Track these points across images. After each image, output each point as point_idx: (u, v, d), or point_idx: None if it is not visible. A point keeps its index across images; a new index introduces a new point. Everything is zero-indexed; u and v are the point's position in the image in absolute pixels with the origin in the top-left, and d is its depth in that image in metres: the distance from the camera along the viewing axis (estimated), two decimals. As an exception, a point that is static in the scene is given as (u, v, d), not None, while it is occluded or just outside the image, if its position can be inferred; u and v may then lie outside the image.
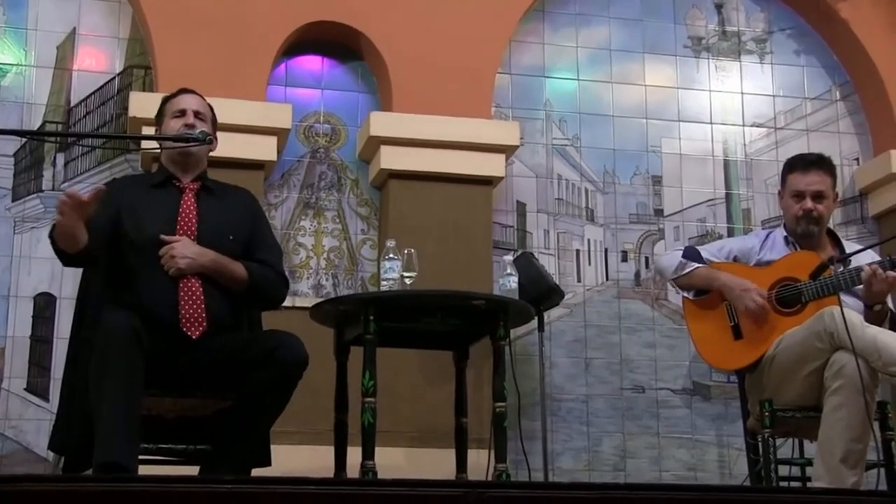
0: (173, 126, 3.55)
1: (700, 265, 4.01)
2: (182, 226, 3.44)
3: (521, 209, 5.47)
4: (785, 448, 4.11)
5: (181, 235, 3.41)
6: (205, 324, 3.32)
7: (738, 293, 3.89)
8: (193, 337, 3.31)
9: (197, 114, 3.58)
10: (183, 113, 3.57)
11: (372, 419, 3.64)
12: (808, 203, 3.96)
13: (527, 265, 4.73)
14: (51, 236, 3.36)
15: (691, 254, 4.06)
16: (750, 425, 3.91)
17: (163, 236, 3.37)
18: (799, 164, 4.05)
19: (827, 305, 3.69)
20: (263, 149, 5.00)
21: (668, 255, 4.17)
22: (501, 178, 5.27)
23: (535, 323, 4.68)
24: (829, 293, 3.79)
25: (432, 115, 5.15)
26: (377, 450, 3.65)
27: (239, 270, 3.43)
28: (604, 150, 5.62)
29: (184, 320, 3.31)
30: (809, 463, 3.88)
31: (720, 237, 5.45)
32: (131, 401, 3.09)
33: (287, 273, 3.77)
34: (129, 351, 3.09)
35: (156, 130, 3.66)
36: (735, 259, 4.07)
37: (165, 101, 3.67)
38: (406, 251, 3.89)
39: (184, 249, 3.35)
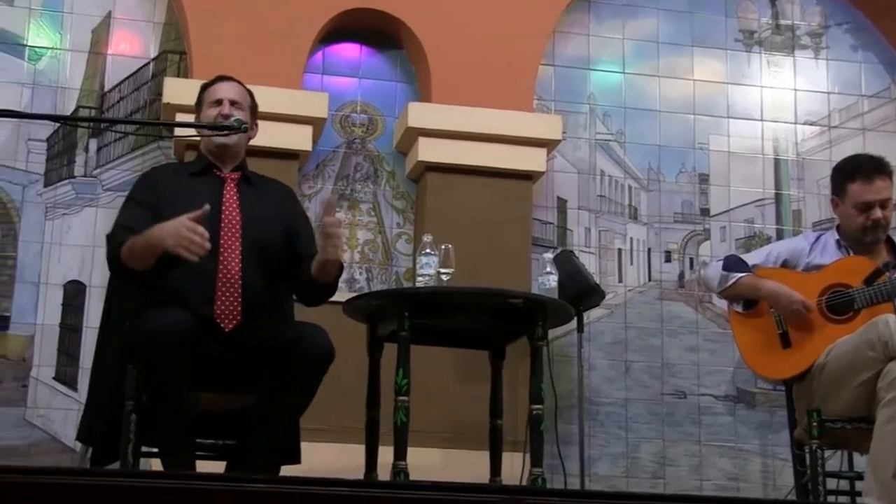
0: (210, 115, 3.55)
1: (743, 274, 3.95)
2: (226, 216, 3.43)
3: (561, 205, 5.45)
4: (833, 460, 4.05)
5: (225, 226, 3.40)
6: (240, 316, 3.32)
7: (783, 303, 3.84)
8: (227, 329, 3.31)
9: (233, 103, 3.57)
10: (219, 103, 3.56)
11: (405, 418, 3.63)
12: (878, 213, 3.88)
13: (567, 263, 4.71)
14: (115, 254, 3.31)
15: (732, 263, 4.00)
16: (797, 435, 3.86)
17: (328, 219, 3.32)
18: (860, 172, 3.93)
19: (881, 313, 3.64)
20: (298, 138, 5.00)
21: (711, 268, 4.12)
22: (542, 173, 5.26)
23: (573, 323, 4.64)
24: (883, 300, 3.73)
25: (472, 107, 5.13)
26: (408, 450, 3.64)
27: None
28: (649, 147, 5.58)
29: (218, 311, 3.31)
30: (859, 477, 3.82)
31: (768, 239, 5.40)
32: (187, 396, 3.16)
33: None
34: (184, 348, 3.12)
35: (195, 118, 3.66)
36: (784, 262, 4.01)
37: (204, 88, 3.66)
38: (443, 246, 3.87)
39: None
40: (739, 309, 4.02)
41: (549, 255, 4.26)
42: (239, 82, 3.66)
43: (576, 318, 4.67)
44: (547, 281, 4.01)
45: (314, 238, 3.58)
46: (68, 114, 5.07)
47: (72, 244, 5.01)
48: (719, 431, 5.26)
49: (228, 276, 3.35)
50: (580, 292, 4.71)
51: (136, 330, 3.20)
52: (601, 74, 5.62)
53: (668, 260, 5.50)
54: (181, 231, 3.12)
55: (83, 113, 5.12)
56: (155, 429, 3.19)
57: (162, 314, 3.16)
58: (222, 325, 3.31)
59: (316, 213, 5.13)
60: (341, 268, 3.49)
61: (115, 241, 3.35)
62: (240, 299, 3.34)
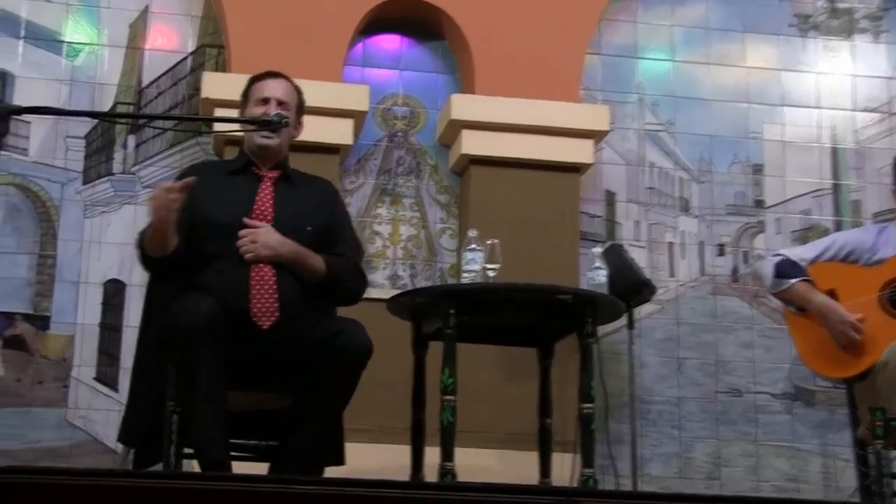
0: (254, 113, 3.53)
1: (795, 281, 3.90)
2: (257, 215, 3.44)
3: (610, 198, 5.43)
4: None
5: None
6: (277, 314, 3.33)
7: (832, 322, 3.79)
8: (264, 327, 3.31)
9: (280, 103, 3.55)
10: (266, 102, 3.55)
11: (451, 418, 3.62)
12: None
13: (616, 258, 4.69)
14: (140, 246, 3.40)
15: (785, 268, 3.94)
16: (860, 435, 3.80)
17: (247, 220, 3.38)
18: None
19: (948, 308, 3.58)
20: (339, 132, 5.00)
21: (764, 266, 4.07)
22: (590, 165, 5.23)
23: (623, 320, 4.62)
24: (948, 293, 3.67)
25: (517, 98, 5.12)
26: (455, 451, 3.63)
27: (318, 264, 3.43)
28: (700, 137, 5.54)
29: (255, 310, 3.32)
30: (925, 478, 3.76)
31: (826, 231, 5.33)
32: (222, 394, 3.15)
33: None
34: (216, 341, 3.14)
35: (240, 112, 3.65)
36: (847, 256, 3.95)
37: (251, 82, 3.65)
38: (489, 241, 3.86)
39: (266, 237, 3.36)
40: (794, 309, 3.97)
41: (598, 250, 4.26)
42: (288, 79, 3.64)
43: (626, 314, 4.67)
44: (596, 276, 3.99)
45: (346, 237, 3.57)
46: (106, 110, 5.11)
47: (111, 242, 5.05)
48: (776, 431, 5.21)
49: (261, 272, 3.36)
50: (630, 287, 4.69)
51: (165, 322, 3.23)
52: (649, 63, 5.58)
53: (720, 254, 5.46)
54: (153, 194, 3.23)
55: (121, 109, 5.16)
56: (188, 420, 3.19)
57: (188, 302, 3.17)
58: (259, 322, 3.31)
59: (358, 209, 5.16)
60: (327, 274, 3.46)
61: (141, 234, 3.43)
62: (276, 296, 3.35)
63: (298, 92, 3.66)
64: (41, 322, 4.98)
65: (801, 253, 4.05)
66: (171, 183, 3.27)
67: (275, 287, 3.35)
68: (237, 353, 3.25)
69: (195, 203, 3.39)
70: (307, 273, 3.42)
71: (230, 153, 4.58)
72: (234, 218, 3.38)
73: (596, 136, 5.22)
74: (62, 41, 5.20)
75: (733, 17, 5.65)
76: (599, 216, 5.38)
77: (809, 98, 5.61)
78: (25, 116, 4.93)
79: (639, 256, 5.23)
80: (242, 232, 3.36)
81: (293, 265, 3.39)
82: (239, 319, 3.27)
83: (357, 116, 5.07)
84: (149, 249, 3.36)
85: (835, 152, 5.59)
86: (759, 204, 5.53)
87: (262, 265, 3.36)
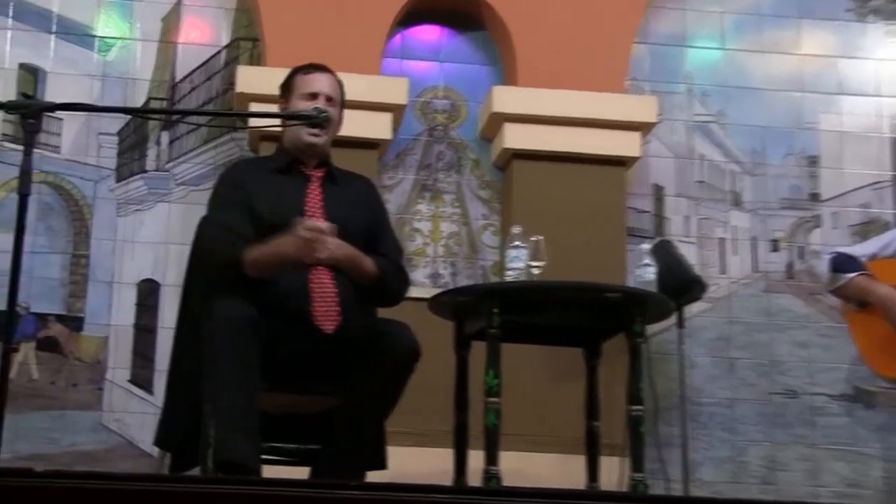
0: (301, 108, 3.49)
1: (853, 275, 3.86)
2: (308, 216, 3.43)
3: (658, 193, 5.42)
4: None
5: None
6: (339, 318, 3.33)
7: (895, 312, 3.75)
8: (328, 331, 3.31)
9: (329, 99, 3.55)
10: (314, 97, 3.53)
11: (496, 421, 3.62)
12: None
13: (665, 255, 4.67)
14: (237, 263, 3.32)
15: (841, 262, 3.91)
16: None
17: (314, 221, 3.33)
18: None
19: None
20: (377, 126, 5.02)
21: (820, 265, 4.04)
22: (637, 159, 5.22)
23: (673, 318, 4.60)
24: None
25: (561, 90, 5.11)
26: (499, 454, 3.63)
27: (370, 266, 3.43)
28: (752, 128, 5.51)
29: (317, 314, 3.32)
30: None
31: (886, 225, 5.28)
32: (251, 394, 3.13)
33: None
34: (245, 340, 3.12)
35: (280, 105, 3.64)
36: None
37: (295, 72, 3.62)
38: (533, 238, 3.86)
39: (332, 239, 3.34)
40: (854, 306, 3.93)
41: (647, 246, 4.25)
42: (333, 73, 3.63)
43: (676, 313, 4.64)
44: (644, 273, 3.99)
45: (387, 237, 3.58)
46: (139, 106, 5.15)
47: (145, 241, 5.09)
48: (835, 434, 5.17)
49: (319, 276, 3.35)
50: (680, 285, 4.66)
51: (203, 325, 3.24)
52: (699, 51, 5.56)
53: (774, 249, 5.43)
54: (303, 234, 3.21)
55: (154, 105, 5.20)
56: (216, 423, 3.15)
57: (223, 302, 3.18)
58: (322, 327, 3.31)
59: (398, 205, 5.17)
60: (378, 276, 3.46)
61: (227, 247, 3.34)
62: (337, 299, 3.35)
63: (342, 86, 3.66)
64: (75, 323, 5.04)
65: (859, 250, 4.02)
66: (321, 224, 3.27)
67: (335, 291, 3.36)
68: (294, 355, 3.25)
69: (255, 202, 3.40)
70: (361, 276, 3.42)
71: (266, 149, 4.60)
72: (288, 220, 3.35)
73: (643, 128, 5.20)
74: (94, 36, 5.25)
75: (787, 3, 5.61)
76: (647, 211, 5.37)
77: (868, 86, 5.56)
78: (57, 113, 4.98)
79: (688, 253, 5.18)
80: (307, 234, 3.30)
81: (348, 268, 3.39)
82: (300, 323, 3.27)
83: (396, 110, 5.08)
84: (251, 271, 3.30)
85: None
86: (815, 197, 5.48)
87: (319, 268, 3.36)
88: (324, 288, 3.35)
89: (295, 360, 3.27)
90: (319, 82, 3.57)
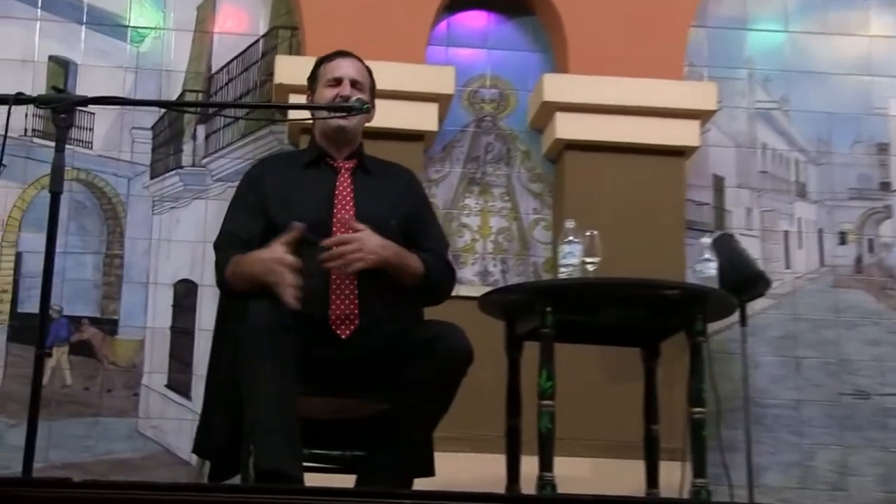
0: (327, 96, 3.53)
1: None
2: (339, 211, 3.43)
3: (718, 184, 5.40)
4: None
5: (337, 222, 3.39)
6: (356, 321, 3.32)
7: None
8: (343, 336, 3.31)
9: (354, 83, 3.55)
10: (338, 82, 3.55)
11: (550, 425, 3.61)
12: None
13: (726, 249, 4.65)
14: (222, 279, 3.38)
15: None
16: None
17: (353, 223, 3.31)
18: None
19: None
20: (423, 117, 5.02)
21: (891, 256, 3.99)
22: (696, 148, 5.20)
23: (735, 316, 4.57)
24: None
25: (615, 77, 5.10)
26: (554, 460, 3.62)
27: (416, 264, 3.41)
28: (817, 114, 5.48)
29: (333, 317, 3.31)
30: None
31: (962, 216, 5.24)
32: (290, 399, 3.13)
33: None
34: (282, 343, 3.12)
35: (307, 97, 3.67)
36: None
37: (319, 63, 3.66)
38: (588, 233, 3.85)
39: (369, 242, 3.30)
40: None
41: (707, 240, 4.22)
42: (359, 59, 3.65)
43: (738, 310, 4.62)
44: (705, 269, 3.98)
45: (432, 231, 3.56)
46: (173, 99, 5.18)
47: (181, 240, 5.12)
48: (910, 437, 5.14)
49: (342, 275, 3.34)
50: (743, 281, 4.64)
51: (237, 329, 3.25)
52: (761, 34, 5.53)
53: (842, 242, 5.39)
54: (273, 267, 3.17)
55: (189, 97, 5.23)
56: (256, 430, 3.14)
57: (258, 303, 3.18)
58: (338, 331, 3.31)
59: (445, 200, 5.16)
60: (424, 274, 3.44)
61: (221, 255, 3.40)
62: (356, 302, 3.33)
63: (370, 72, 3.66)
64: (109, 326, 5.07)
65: None
66: (278, 253, 3.20)
67: (355, 293, 3.35)
68: (315, 359, 3.25)
69: (272, 202, 3.41)
70: (407, 275, 3.41)
71: (306, 142, 4.60)
72: (315, 216, 3.36)
73: (702, 116, 5.17)
74: (126, 26, 5.29)
75: (855, -19, 5.57)
76: (707, 203, 5.35)
77: (943, 69, 5.52)
78: (89, 107, 5.00)
79: (751, 247, 5.16)
80: (345, 243, 3.28)
81: (396, 269, 3.38)
82: (317, 326, 3.27)
83: (442, 100, 5.07)
84: (234, 285, 3.34)
85: (972, 129, 5.48)
86: (886, 187, 5.44)
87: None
88: (344, 289, 3.33)
89: (321, 363, 3.26)
90: (343, 67, 3.59)
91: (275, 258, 3.19)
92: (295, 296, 3.14)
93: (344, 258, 3.26)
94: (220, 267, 3.40)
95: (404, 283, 3.40)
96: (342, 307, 3.33)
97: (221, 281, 3.40)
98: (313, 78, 3.65)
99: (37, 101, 3.00)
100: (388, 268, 3.35)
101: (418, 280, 3.42)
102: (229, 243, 3.41)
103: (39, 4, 5.23)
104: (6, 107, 2.87)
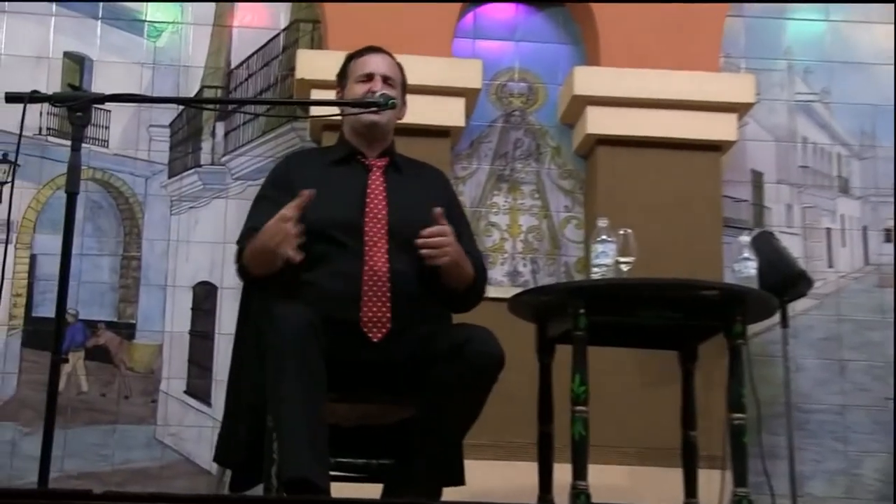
0: (357, 92, 3.53)
1: None
2: (371, 209, 3.42)
3: (757, 179, 5.40)
4: None
5: (370, 221, 3.39)
6: (389, 324, 3.32)
7: None
8: (375, 339, 3.31)
9: (386, 79, 3.55)
10: (369, 78, 3.55)
11: (584, 431, 3.59)
12: None
13: (766, 247, 4.64)
14: (241, 262, 3.39)
15: None
16: None
17: (438, 220, 3.32)
18: None
19: None
20: (449, 113, 5.02)
21: None
22: (733, 143, 5.19)
23: (776, 317, 4.56)
24: None
25: (648, 69, 5.10)
26: (588, 468, 3.60)
27: (470, 268, 3.43)
28: (861, 106, 5.48)
29: (365, 319, 3.31)
30: None
31: None
32: (317, 409, 3.12)
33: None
34: (309, 348, 3.12)
35: (337, 94, 3.67)
36: None
37: (349, 59, 3.66)
38: (621, 231, 3.83)
39: (451, 240, 3.32)
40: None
41: (746, 238, 4.22)
42: (390, 55, 3.65)
43: (779, 311, 4.60)
44: (744, 268, 3.97)
45: (466, 234, 3.56)
46: (192, 95, 5.19)
47: (200, 241, 5.13)
48: (962, 443, 5.10)
49: (375, 277, 3.34)
50: (784, 280, 4.62)
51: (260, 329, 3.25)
52: (800, 24, 5.52)
53: (888, 240, 5.38)
54: (278, 226, 3.17)
55: (208, 93, 5.25)
56: (280, 436, 3.14)
57: (282, 305, 3.18)
58: (370, 334, 3.31)
59: (472, 198, 5.15)
60: (474, 278, 3.44)
61: (240, 246, 3.41)
62: (388, 304, 3.33)
63: (401, 69, 3.67)
64: (126, 330, 5.09)
65: None
66: (284, 211, 3.21)
67: (388, 295, 3.34)
68: (344, 362, 3.25)
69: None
70: (462, 277, 3.41)
71: (329, 139, 4.61)
72: (346, 216, 3.36)
73: (740, 109, 5.16)
74: (143, 21, 5.31)
75: (899, -34, 5.55)
76: (745, 200, 5.35)
77: None
78: (106, 105, 5.04)
79: (792, 245, 5.15)
80: (441, 238, 3.28)
81: (458, 268, 3.37)
82: (347, 328, 3.27)
83: (469, 95, 5.07)
84: (251, 268, 3.35)
85: None
86: (933, 182, 5.42)
87: (374, 269, 3.34)
88: (377, 290, 3.33)
89: (350, 367, 3.25)
90: (373, 63, 3.59)
91: (279, 216, 3.19)
92: (293, 247, 3.16)
93: (441, 249, 3.28)
94: (237, 253, 3.41)
95: (454, 285, 3.41)
96: (374, 309, 3.32)
97: (239, 268, 3.41)
98: (343, 74, 3.65)
99: (53, 100, 3.01)
100: (453, 267, 3.35)
101: (468, 283, 3.43)
102: (249, 234, 3.39)
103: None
104: (21, 105, 2.87)
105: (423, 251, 3.28)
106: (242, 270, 3.41)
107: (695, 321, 3.86)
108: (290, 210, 3.18)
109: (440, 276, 3.38)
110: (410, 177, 3.58)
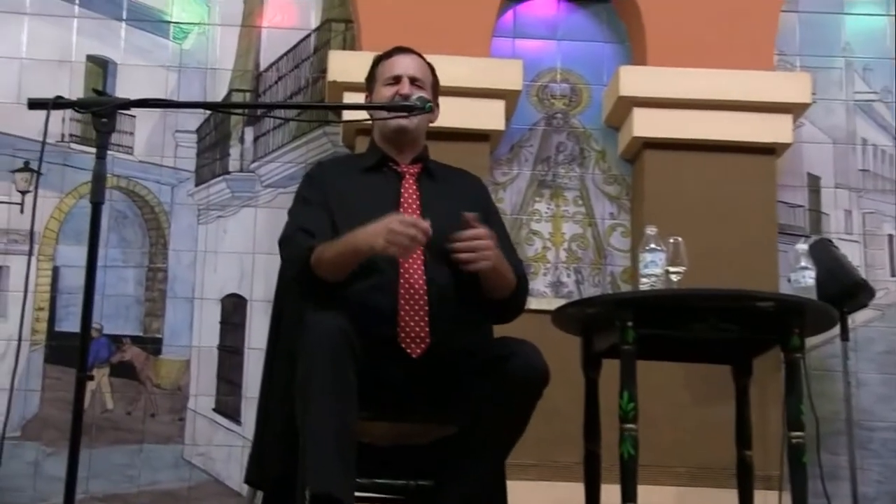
0: (385, 95, 3.54)
1: None
2: (403, 218, 3.43)
3: (814, 184, 5.39)
4: None
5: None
6: (428, 340, 3.33)
7: None
8: (413, 355, 3.32)
9: (414, 80, 3.56)
10: (397, 80, 3.56)
11: (633, 451, 3.57)
12: None
13: (824, 255, 4.62)
14: (305, 263, 3.34)
15: None
16: None
17: (471, 217, 3.32)
18: None
19: None
20: (488, 116, 5.04)
21: None
22: (788, 145, 5.18)
23: (835, 330, 4.54)
24: None
25: (698, 69, 5.10)
26: (638, 488, 3.60)
27: (511, 275, 3.43)
28: (923, 106, 5.45)
29: (403, 335, 3.32)
30: None
31: None
32: (346, 421, 3.12)
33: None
34: (341, 361, 3.12)
35: (366, 98, 3.69)
36: None
37: (377, 62, 3.68)
38: (671, 240, 3.82)
39: (490, 243, 3.32)
40: None
41: (803, 246, 4.17)
42: (419, 55, 3.67)
43: (839, 323, 4.57)
44: (801, 278, 3.93)
45: (507, 244, 3.55)
46: (220, 99, 5.23)
47: (229, 251, 5.16)
48: None
49: (411, 290, 3.35)
50: (843, 291, 4.62)
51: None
52: (859, 19, 5.52)
53: (953, 247, 5.35)
54: (394, 226, 3.16)
55: (236, 97, 5.28)
56: (308, 451, 3.11)
57: (320, 315, 3.19)
58: (408, 350, 3.32)
59: (513, 205, 5.16)
60: (516, 286, 3.45)
61: (297, 246, 3.38)
62: (426, 318, 3.34)
63: (432, 69, 3.68)
64: (152, 345, 5.12)
65: None
66: (414, 219, 3.21)
67: (426, 309, 3.35)
68: (380, 379, 3.26)
69: (334, 209, 3.42)
70: (503, 285, 3.42)
71: (362, 144, 4.62)
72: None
73: (795, 109, 5.15)
74: (169, 22, 5.35)
75: (964, -42, 5.54)
76: (802, 206, 5.34)
77: None
78: (130, 110, 5.06)
79: (851, 253, 5.16)
80: (479, 241, 3.29)
81: (499, 275, 3.38)
82: (384, 343, 3.28)
83: (509, 97, 5.08)
84: (319, 270, 3.32)
85: None
86: None
87: (411, 282, 3.35)
88: (413, 304, 3.33)
89: (388, 384, 3.26)
90: (401, 64, 3.60)
91: (397, 218, 3.18)
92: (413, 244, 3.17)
93: (480, 252, 3.27)
94: (297, 252, 3.36)
95: (494, 294, 3.41)
96: (411, 325, 3.33)
97: (303, 264, 3.34)
98: (371, 77, 3.67)
99: (77, 106, 3.01)
100: (493, 273, 3.35)
101: (510, 291, 3.44)
102: (303, 235, 3.38)
103: (77, 1, 5.30)
104: (44, 111, 2.88)
105: (461, 255, 3.28)
106: (305, 273, 3.35)
107: (749, 334, 3.83)
108: (426, 223, 3.18)
109: (479, 285, 3.38)
110: (445, 184, 3.59)
